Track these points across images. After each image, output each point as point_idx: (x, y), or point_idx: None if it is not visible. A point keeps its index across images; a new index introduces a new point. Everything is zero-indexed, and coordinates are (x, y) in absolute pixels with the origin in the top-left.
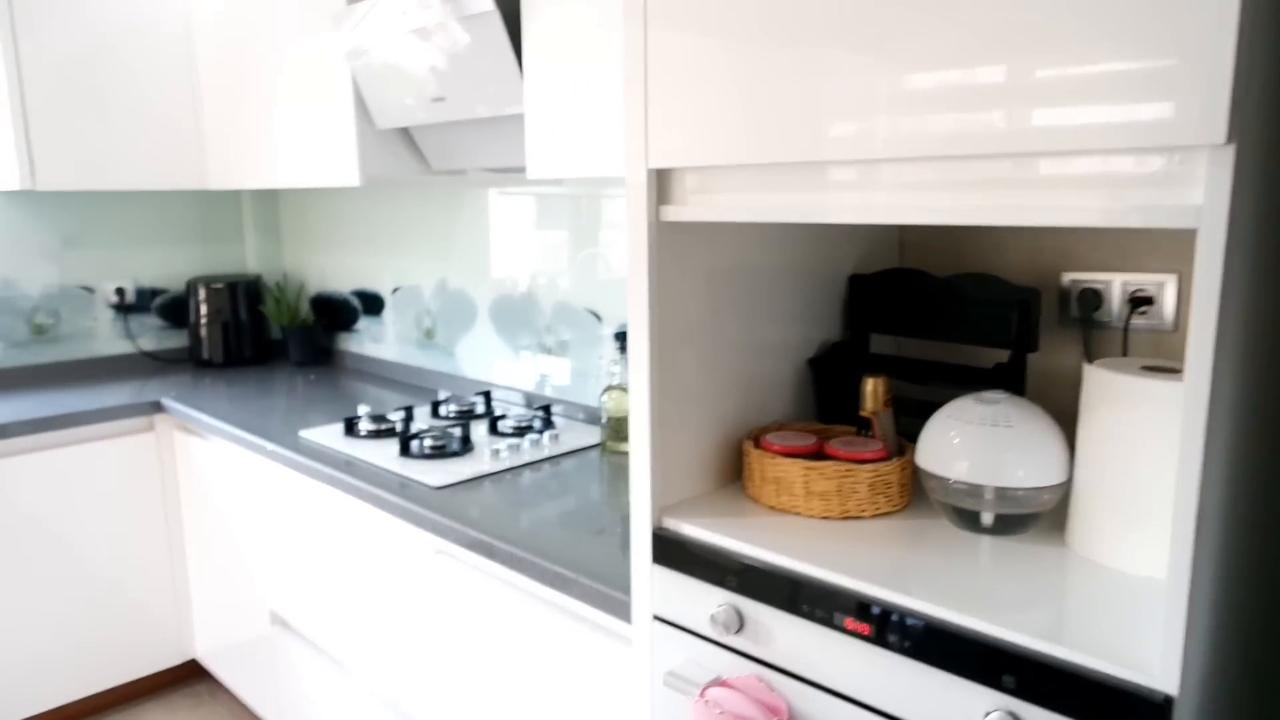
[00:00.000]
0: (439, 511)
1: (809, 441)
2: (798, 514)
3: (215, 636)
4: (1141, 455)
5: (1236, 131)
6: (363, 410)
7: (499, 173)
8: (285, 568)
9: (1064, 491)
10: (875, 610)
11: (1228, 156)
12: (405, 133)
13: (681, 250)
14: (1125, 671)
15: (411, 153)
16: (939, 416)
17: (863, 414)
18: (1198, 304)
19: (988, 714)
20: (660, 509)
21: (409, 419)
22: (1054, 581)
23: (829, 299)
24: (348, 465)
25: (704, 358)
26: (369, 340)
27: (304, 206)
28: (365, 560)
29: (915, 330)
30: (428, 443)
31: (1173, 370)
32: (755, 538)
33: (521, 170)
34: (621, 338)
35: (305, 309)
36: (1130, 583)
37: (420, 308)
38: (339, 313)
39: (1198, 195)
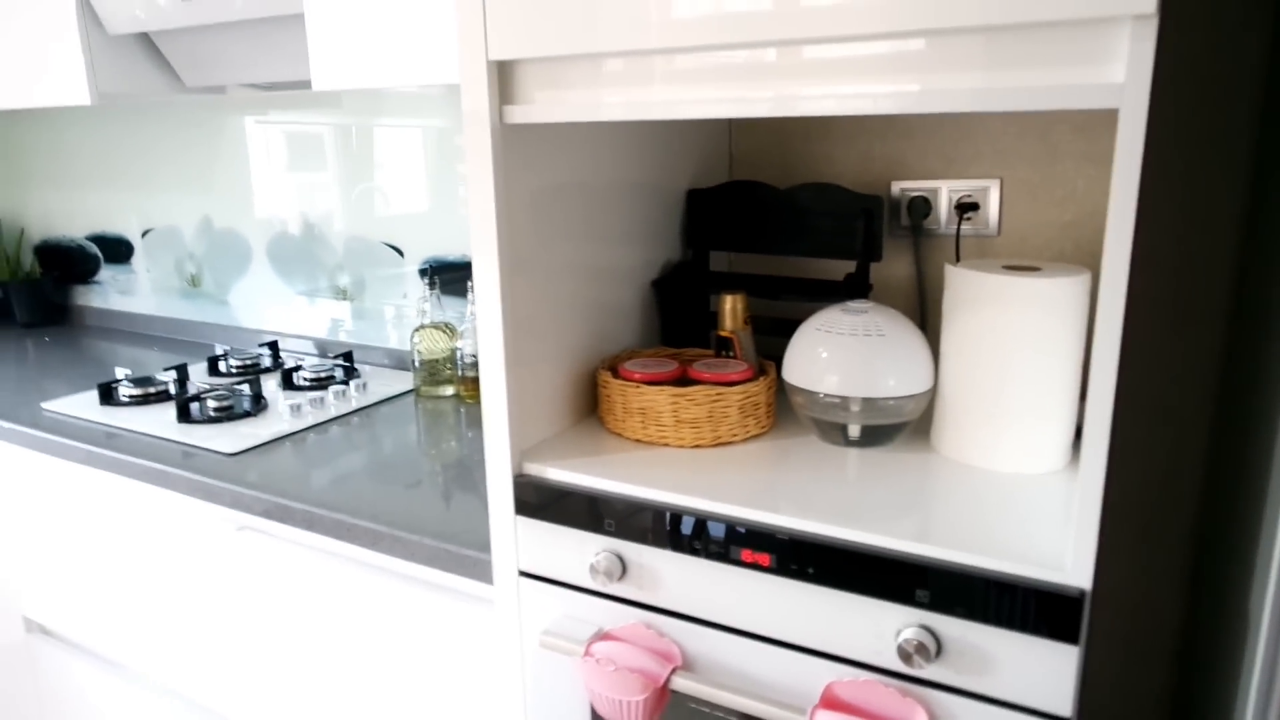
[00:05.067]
0: (237, 482)
1: (671, 367)
2: (667, 445)
3: None
4: (1012, 354)
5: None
6: (122, 373)
7: (267, 90)
8: (40, 566)
9: (929, 398)
10: (776, 539)
11: (1151, 29)
12: (147, 40)
13: (508, 167)
14: (1039, 571)
15: (158, 65)
16: (806, 329)
17: (721, 334)
18: (1117, 190)
19: (900, 631)
20: (520, 454)
21: (183, 379)
22: (941, 489)
23: (667, 217)
24: (110, 439)
25: (542, 286)
26: (115, 293)
27: (17, 134)
28: (147, 548)
29: (758, 245)
30: (211, 404)
31: (1031, 269)
32: (630, 475)
33: (293, 86)
34: (428, 273)
35: (29, 260)
36: (1007, 482)
37: (181, 252)
38: (73, 262)
39: (1118, 73)
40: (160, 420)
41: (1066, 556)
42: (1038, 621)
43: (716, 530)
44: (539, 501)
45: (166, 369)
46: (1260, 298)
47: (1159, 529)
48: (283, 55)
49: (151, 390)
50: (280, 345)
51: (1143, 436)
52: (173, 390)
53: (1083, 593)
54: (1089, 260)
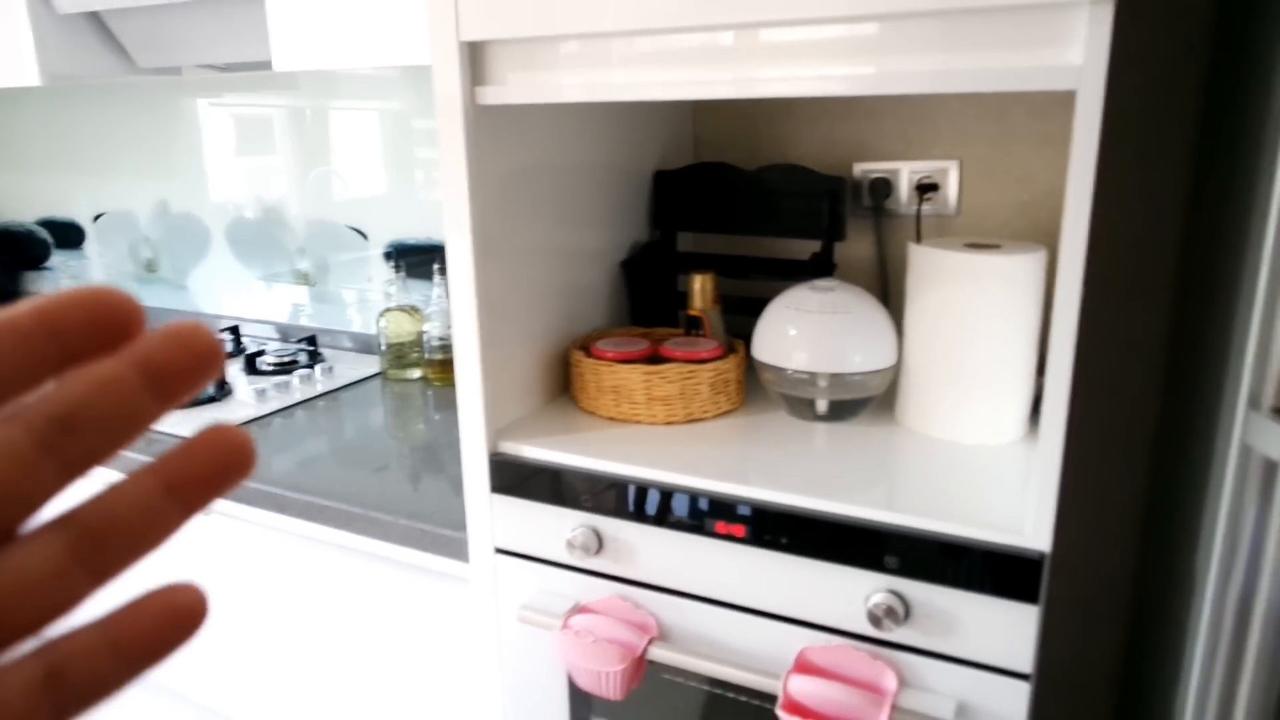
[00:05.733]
0: None
1: (642, 346)
2: (640, 422)
3: None
4: (972, 329)
5: None
6: None
7: (224, 71)
8: None
9: (894, 373)
10: (749, 510)
11: (1107, 13)
12: (97, 19)
13: (479, 149)
14: (1002, 536)
15: (109, 45)
16: (775, 307)
17: (691, 313)
18: (1075, 169)
19: (870, 596)
20: (495, 433)
21: None
22: (906, 460)
23: (635, 198)
24: None
25: (513, 268)
26: (67, 279)
27: None
28: None
29: (725, 226)
30: None
31: (991, 246)
32: (605, 452)
33: (251, 67)
34: (393, 256)
35: None
36: (968, 452)
37: (135, 236)
38: (21, 248)
39: (1077, 55)
40: None
41: (1027, 521)
42: (1000, 583)
43: (691, 503)
44: (514, 479)
45: None
46: (1205, 273)
47: (1112, 495)
48: (240, 35)
49: None
50: (241, 330)
51: (1097, 407)
52: None
53: (1042, 555)
54: (1045, 238)
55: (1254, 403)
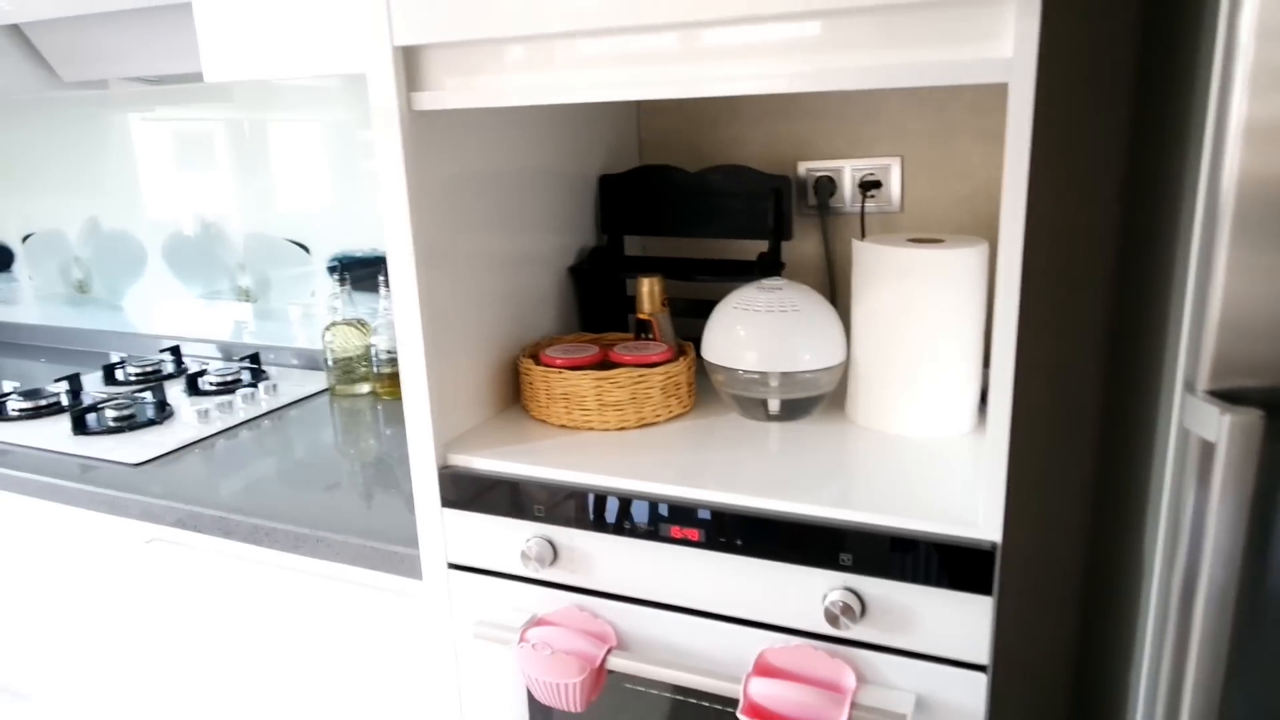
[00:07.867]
0: (144, 493)
1: (592, 352)
2: (592, 429)
3: None
4: (918, 324)
5: None
6: (10, 386)
7: (154, 84)
8: None
9: (843, 370)
10: (704, 514)
11: (1035, 5)
12: (18, 32)
13: (418, 156)
14: (954, 528)
15: (32, 59)
16: (724, 308)
17: (640, 316)
18: (1010, 161)
19: (826, 595)
20: (444, 446)
21: (76, 389)
22: (858, 456)
23: (580, 203)
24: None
25: (458, 277)
26: None
27: None
28: (48, 568)
29: (671, 228)
30: (110, 414)
31: (934, 241)
32: (557, 460)
33: (182, 79)
34: (337, 269)
35: None
36: (919, 446)
37: (66, 256)
38: None
39: (1007, 48)
40: (54, 433)
41: (978, 513)
42: (953, 576)
43: (645, 509)
44: (465, 492)
45: (57, 380)
46: (1141, 261)
47: (1061, 483)
48: (169, 46)
49: (43, 402)
50: (183, 350)
51: (1042, 397)
52: (65, 401)
53: (994, 546)
54: (986, 231)
55: (1190, 386)
